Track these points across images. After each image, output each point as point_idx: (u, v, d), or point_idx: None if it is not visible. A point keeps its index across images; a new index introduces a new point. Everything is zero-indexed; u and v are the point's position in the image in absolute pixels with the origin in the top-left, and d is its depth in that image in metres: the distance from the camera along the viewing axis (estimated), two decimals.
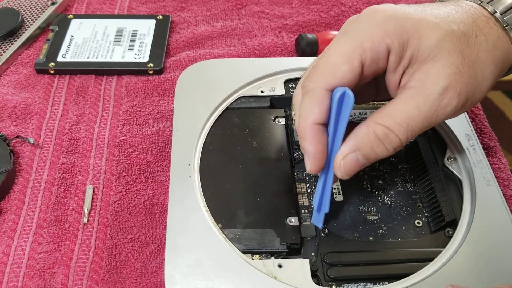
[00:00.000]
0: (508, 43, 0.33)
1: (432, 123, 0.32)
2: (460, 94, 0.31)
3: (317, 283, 0.34)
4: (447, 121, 0.43)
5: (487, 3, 0.34)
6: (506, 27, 0.33)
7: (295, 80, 0.46)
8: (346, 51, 0.31)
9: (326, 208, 0.35)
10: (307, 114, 0.32)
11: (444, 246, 0.36)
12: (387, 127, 0.31)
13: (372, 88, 0.37)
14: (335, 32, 0.54)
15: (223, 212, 0.37)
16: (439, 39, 0.31)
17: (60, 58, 0.51)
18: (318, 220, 0.36)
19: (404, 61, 0.32)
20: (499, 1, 0.34)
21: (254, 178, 0.39)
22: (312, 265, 0.35)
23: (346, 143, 0.32)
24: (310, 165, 0.33)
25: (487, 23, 0.33)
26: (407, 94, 0.32)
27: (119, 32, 0.54)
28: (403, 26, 0.31)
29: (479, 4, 0.34)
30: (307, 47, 0.52)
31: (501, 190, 0.39)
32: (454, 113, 0.32)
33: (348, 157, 0.32)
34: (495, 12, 0.33)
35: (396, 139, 0.31)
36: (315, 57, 0.50)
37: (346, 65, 0.31)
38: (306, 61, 0.47)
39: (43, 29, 0.55)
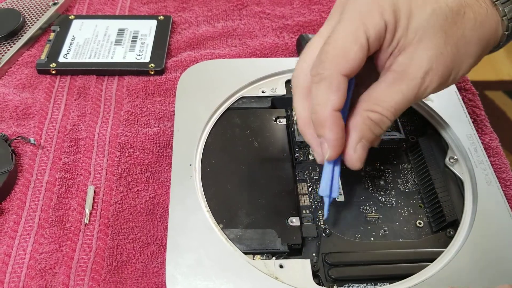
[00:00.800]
0: (496, 21, 0.33)
1: (415, 102, 0.34)
2: (441, 76, 0.32)
3: (318, 284, 0.34)
4: (448, 122, 0.43)
5: None
6: (496, 2, 0.33)
7: None
8: (351, 32, 0.31)
9: (335, 193, 0.35)
10: (326, 101, 0.32)
11: (445, 247, 0.36)
12: (380, 113, 0.33)
13: (374, 75, 0.37)
14: None
15: (224, 212, 0.37)
16: (426, 19, 0.31)
17: (61, 59, 0.51)
18: (325, 208, 0.36)
19: (394, 41, 0.32)
20: None
21: (255, 179, 0.39)
22: (313, 265, 0.35)
23: (351, 137, 0.33)
24: (331, 152, 0.33)
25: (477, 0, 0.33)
26: (391, 78, 0.32)
27: (120, 32, 0.54)
28: (395, 3, 0.31)
29: None
30: None
31: (503, 190, 0.39)
32: (435, 92, 0.33)
33: (358, 148, 0.33)
34: None
35: (388, 121, 0.33)
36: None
37: (356, 45, 0.31)
38: None
39: (44, 30, 0.55)
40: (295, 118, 0.43)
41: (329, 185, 0.35)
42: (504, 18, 0.33)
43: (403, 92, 0.32)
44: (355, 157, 0.34)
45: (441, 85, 0.33)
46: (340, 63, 0.31)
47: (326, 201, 0.36)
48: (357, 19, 0.31)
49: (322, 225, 0.37)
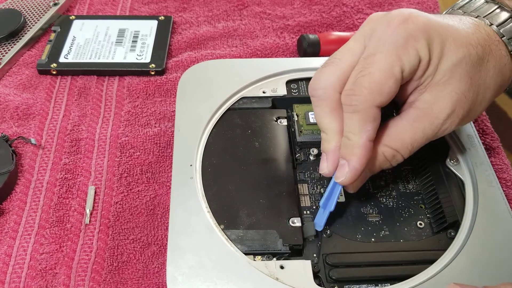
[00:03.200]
0: (510, 70, 0.35)
1: (429, 141, 0.35)
2: (460, 119, 0.34)
3: (319, 285, 0.34)
4: None
5: (497, 26, 0.35)
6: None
7: (297, 81, 0.46)
8: (387, 65, 0.32)
9: (331, 207, 0.36)
10: (361, 130, 0.33)
11: (446, 248, 0.36)
12: (395, 149, 0.34)
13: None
14: (337, 33, 0.54)
15: (225, 213, 0.37)
16: (456, 63, 0.32)
17: (62, 59, 0.51)
18: (320, 219, 0.36)
19: (423, 77, 0.33)
20: (506, 26, 0.35)
21: (256, 179, 0.39)
22: (314, 266, 0.35)
23: None
24: (348, 177, 0.34)
25: (498, 48, 0.34)
26: (414, 116, 0.34)
27: (121, 32, 0.54)
28: (432, 41, 0.32)
29: (489, 25, 0.35)
30: (309, 48, 0.52)
31: (504, 191, 0.39)
32: (448, 133, 0.35)
33: (360, 177, 0.35)
34: (503, 36, 0.35)
35: (401, 158, 0.35)
36: (316, 58, 0.50)
37: (390, 80, 0.32)
38: (307, 62, 0.48)
39: (45, 30, 0.55)
40: (295, 118, 0.43)
41: (326, 196, 0.36)
42: None
43: (424, 130, 0.33)
44: (355, 185, 0.36)
45: (457, 127, 0.34)
46: (375, 97, 0.32)
47: (323, 212, 0.36)
48: (393, 53, 0.32)
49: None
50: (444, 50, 0.32)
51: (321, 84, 0.35)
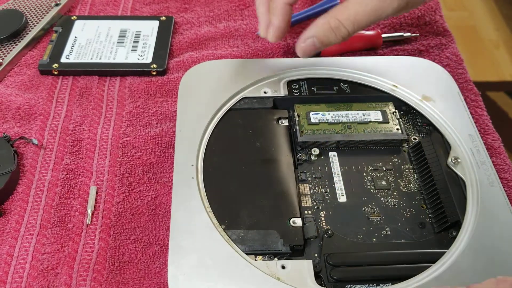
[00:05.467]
0: None
1: (376, 20, 0.41)
2: (398, 2, 0.39)
3: (321, 284, 0.34)
4: (450, 122, 0.43)
5: None
6: None
7: (298, 81, 0.46)
8: None
9: None
10: None
11: (447, 248, 0.36)
12: (339, 20, 0.40)
13: None
14: None
15: (227, 213, 0.37)
16: None
17: (63, 59, 0.51)
18: None
19: None
20: None
21: (257, 179, 0.39)
22: (315, 266, 0.35)
23: (307, 30, 0.42)
24: (272, 36, 0.44)
25: None
26: None
27: (123, 33, 0.54)
28: None
29: None
30: None
31: (505, 191, 0.39)
32: (396, 13, 0.41)
33: (307, 41, 0.42)
34: None
35: (345, 30, 0.41)
36: (317, 58, 0.50)
37: None
38: (308, 62, 0.48)
39: (46, 30, 0.55)
40: (297, 118, 0.43)
41: None
42: None
43: (367, 5, 0.39)
44: (301, 47, 0.43)
45: (400, 8, 0.40)
46: None
47: None
48: None
49: (324, 226, 0.37)
50: None
51: None
